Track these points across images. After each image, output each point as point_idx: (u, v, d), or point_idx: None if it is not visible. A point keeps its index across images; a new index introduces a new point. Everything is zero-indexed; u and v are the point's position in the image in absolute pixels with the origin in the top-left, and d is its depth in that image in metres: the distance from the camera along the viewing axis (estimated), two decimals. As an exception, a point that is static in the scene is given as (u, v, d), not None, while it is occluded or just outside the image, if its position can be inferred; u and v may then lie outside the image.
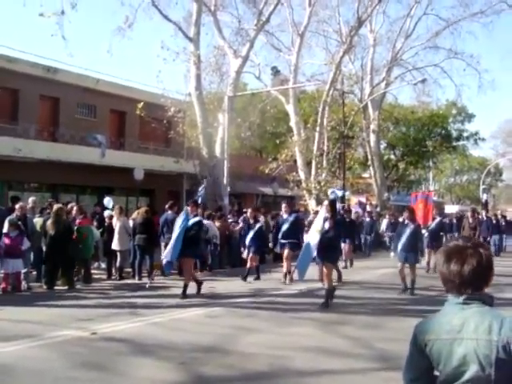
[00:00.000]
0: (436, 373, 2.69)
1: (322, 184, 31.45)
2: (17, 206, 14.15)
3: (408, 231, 13.84)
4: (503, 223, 29.30)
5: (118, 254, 16.28)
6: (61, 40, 21.40)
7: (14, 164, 21.69)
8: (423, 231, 19.08)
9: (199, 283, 13.26)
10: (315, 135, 31.84)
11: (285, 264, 15.71)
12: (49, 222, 14.04)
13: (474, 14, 37.29)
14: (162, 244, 16.40)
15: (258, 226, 16.57)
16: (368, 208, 34.09)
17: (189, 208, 13.61)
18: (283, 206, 16.90)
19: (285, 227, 16.01)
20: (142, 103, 24.64)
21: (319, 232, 11.96)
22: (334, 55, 34.71)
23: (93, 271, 16.17)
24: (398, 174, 53.37)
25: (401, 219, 23.10)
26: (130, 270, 16.40)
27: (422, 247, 14.85)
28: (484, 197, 56.75)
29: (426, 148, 51.36)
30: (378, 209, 35.25)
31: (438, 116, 50.95)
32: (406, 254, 13.72)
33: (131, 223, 16.67)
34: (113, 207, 17.86)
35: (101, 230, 17.02)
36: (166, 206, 17.65)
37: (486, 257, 2.65)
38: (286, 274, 15.48)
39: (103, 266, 17.48)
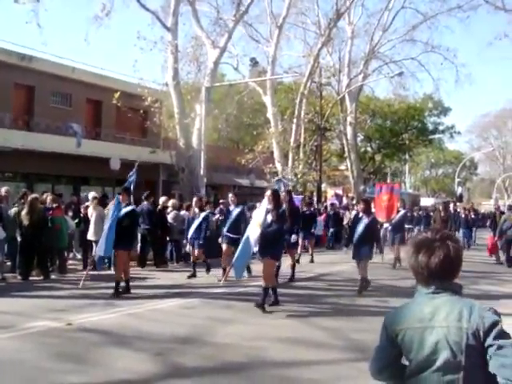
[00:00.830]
0: (405, 362, 2.73)
1: (299, 176, 31.57)
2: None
3: (362, 225, 12.83)
4: (472, 217, 29.44)
5: (94, 244, 16.16)
6: (36, 28, 21.16)
7: (-13, 153, 21.44)
8: (387, 225, 19.01)
9: (128, 281, 12.08)
10: (292, 127, 31.92)
11: (222, 260, 14.40)
12: (23, 212, 13.88)
13: (451, 9, 37.59)
14: (139, 235, 16.33)
15: (202, 215, 15.21)
16: (345, 200, 34.29)
17: (120, 196, 12.50)
18: (230, 196, 15.65)
19: (230, 220, 14.85)
20: (118, 92, 24.49)
21: (260, 225, 10.67)
22: (312, 47, 34.83)
23: (68, 261, 16.08)
24: (375, 167, 53.80)
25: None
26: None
27: (378, 242, 13.83)
28: (459, 190, 57.42)
29: (402, 141, 51.81)
30: (355, 201, 35.43)
31: (415, 109, 51.37)
32: (360, 248, 12.77)
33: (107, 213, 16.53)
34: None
35: (77, 221, 16.90)
36: (143, 197, 17.59)
37: (453, 249, 2.70)
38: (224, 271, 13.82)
39: (79, 256, 17.39)
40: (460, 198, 51.55)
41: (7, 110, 24.75)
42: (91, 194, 17.81)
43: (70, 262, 16.51)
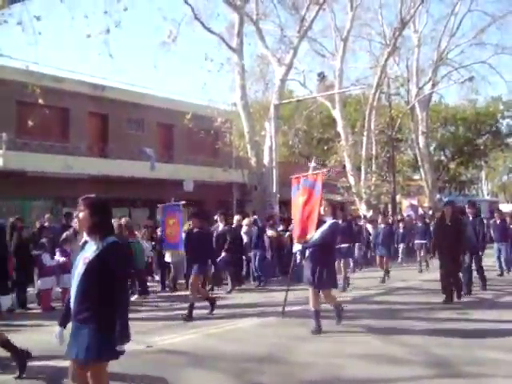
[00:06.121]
0: None
1: (372, 188, 31.26)
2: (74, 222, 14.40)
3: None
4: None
5: (172, 265, 16.43)
6: (107, 58, 21.82)
7: (66, 181, 22.08)
8: (298, 247, 10.81)
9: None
10: (363, 139, 31.70)
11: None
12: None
13: (520, 8, 36.79)
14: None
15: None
16: (420, 210, 33.65)
17: None
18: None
19: None
20: (190, 113, 24.94)
21: None
22: (378, 58, 34.57)
23: (149, 284, 16.38)
24: (449, 175, 52.64)
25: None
26: (183, 281, 16.51)
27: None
28: (540, 194, 55.44)
29: (476, 147, 50.60)
30: (431, 211, 34.78)
31: (487, 114, 50.10)
32: None
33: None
34: None
35: (153, 243, 17.25)
36: (216, 217, 17.79)
37: None
38: None
39: (157, 278, 17.71)
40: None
41: (83, 138, 25.58)
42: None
43: (149, 283, 16.80)
